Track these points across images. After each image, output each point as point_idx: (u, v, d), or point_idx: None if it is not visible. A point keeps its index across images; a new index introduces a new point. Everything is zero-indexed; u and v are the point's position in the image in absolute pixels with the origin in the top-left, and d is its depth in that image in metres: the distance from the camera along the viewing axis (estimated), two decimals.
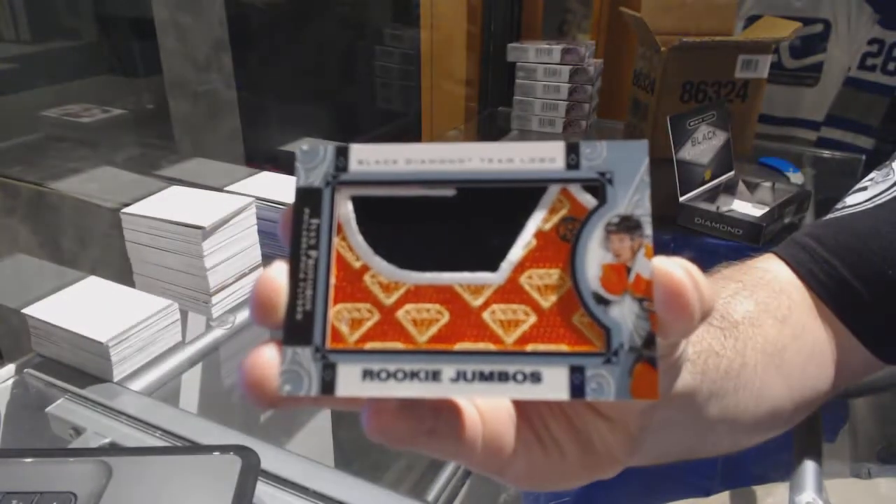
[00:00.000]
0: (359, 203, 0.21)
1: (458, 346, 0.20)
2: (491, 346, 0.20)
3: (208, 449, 0.47)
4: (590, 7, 1.63)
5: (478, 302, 0.20)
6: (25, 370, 0.61)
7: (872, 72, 1.44)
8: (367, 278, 0.20)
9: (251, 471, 0.44)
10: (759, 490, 0.58)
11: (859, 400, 0.88)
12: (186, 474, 0.44)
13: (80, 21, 1.16)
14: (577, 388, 0.19)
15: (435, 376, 0.19)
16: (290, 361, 0.20)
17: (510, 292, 0.20)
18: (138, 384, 0.60)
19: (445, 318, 0.20)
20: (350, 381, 0.19)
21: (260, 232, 0.73)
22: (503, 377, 0.19)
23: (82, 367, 0.60)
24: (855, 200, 0.41)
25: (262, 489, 0.47)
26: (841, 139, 1.48)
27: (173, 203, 0.71)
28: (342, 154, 0.21)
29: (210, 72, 1.20)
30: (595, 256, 0.20)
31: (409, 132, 1.61)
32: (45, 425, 0.56)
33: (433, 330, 0.20)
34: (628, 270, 0.20)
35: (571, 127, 1.40)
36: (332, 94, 1.61)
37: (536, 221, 0.20)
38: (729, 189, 1.04)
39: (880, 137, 1.46)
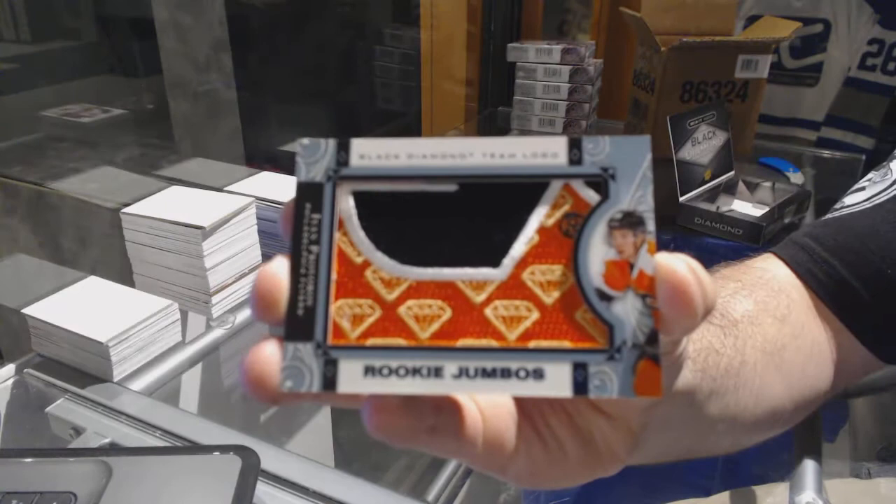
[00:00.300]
0: (360, 198, 0.20)
1: (461, 343, 0.20)
2: (493, 343, 0.20)
3: (208, 449, 0.47)
4: (590, 7, 1.63)
5: (480, 298, 0.20)
6: (25, 370, 0.61)
7: (872, 72, 1.44)
8: (368, 274, 0.20)
9: (251, 471, 0.44)
10: (759, 490, 0.57)
11: (859, 400, 0.88)
12: (186, 474, 0.44)
13: (80, 21, 1.16)
14: (580, 385, 0.19)
15: (437, 373, 0.19)
16: (291, 357, 0.19)
17: (512, 288, 0.20)
18: (138, 384, 0.60)
19: (447, 314, 0.20)
20: (351, 378, 0.19)
21: (260, 232, 0.73)
22: (506, 374, 0.19)
23: (82, 367, 0.60)
24: (853, 200, 0.41)
25: (262, 489, 0.47)
26: (841, 139, 1.48)
27: (173, 203, 0.71)
28: (343, 148, 0.21)
29: (210, 72, 1.20)
30: (598, 252, 0.20)
31: (410, 132, 1.61)
32: (45, 425, 0.56)
33: (435, 326, 0.20)
34: (631, 267, 0.19)
35: (571, 127, 1.40)
36: (333, 94, 1.61)
37: (539, 217, 0.20)
38: (729, 189, 1.04)
39: (880, 137, 1.46)
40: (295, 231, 0.20)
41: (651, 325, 0.19)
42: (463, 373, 0.19)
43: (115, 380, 0.59)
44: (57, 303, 0.63)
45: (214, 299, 0.69)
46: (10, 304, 0.82)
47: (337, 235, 0.20)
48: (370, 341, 0.20)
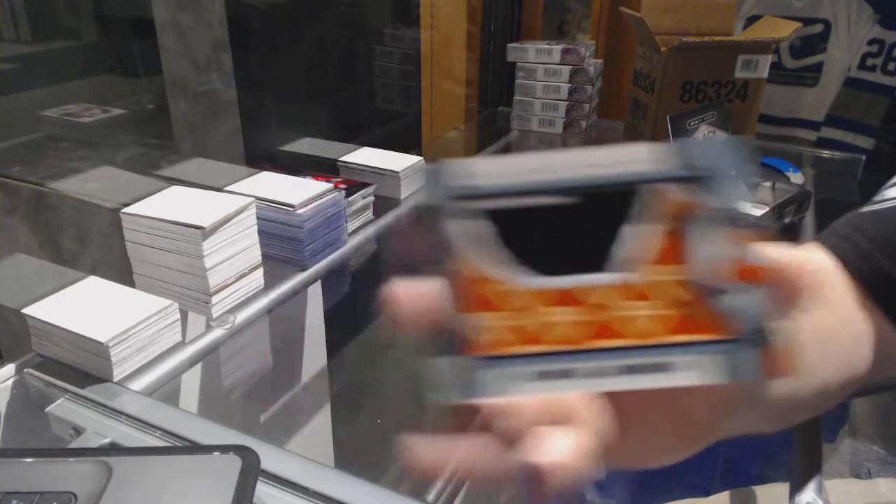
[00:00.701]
0: (481, 216, 0.22)
1: (603, 344, 0.21)
2: (632, 341, 0.21)
3: (208, 449, 0.47)
4: (590, 7, 1.63)
5: (610, 301, 0.22)
6: (25, 370, 0.61)
7: (872, 72, 1.44)
8: (498, 287, 0.21)
9: (251, 471, 0.44)
10: (759, 490, 0.58)
11: (859, 400, 0.88)
12: (186, 474, 0.44)
13: (81, 21, 1.16)
14: (720, 373, 0.21)
15: (586, 373, 0.21)
16: (442, 372, 0.21)
17: (638, 289, 0.22)
18: (138, 384, 0.60)
19: (583, 318, 0.21)
20: (502, 385, 0.21)
21: (260, 232, 0.73)
22: (649, 368, 0.21)
23: (82, 367, 0.60)
24: (894, 194, 0.42)
25: (262, 489, 0.47)
26: (841, 139, 1.48)
27: (173, 203, 0.71)
28: (461, 171, 0.22)
29: (210, 72, 1.20)
30: (708, 250, 0.21)
31: (410, 132, 1.61)
32: (45, 425, 0.56)
33: (573, 331, 0.21)
34: (740, 260, 0.21)
35: (571, 127, 1.40)
36: (332, 94, 1.61)
37: (648, 220, 0.22)
38: None
39: (880, 137, 1.46)
40: (424, 252, 0.22)
41: (768, 310, 0.21)
42: (609, 372, 0.21)
43: (115, 380, 0.59)
44: (57, 303, 0.63)
45: (214, 299, 0.69)
46: (10, 304, 0.82)
47: (464, 253, 0.22)
48: (513, 350, 0.21)
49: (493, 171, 0.22)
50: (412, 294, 0.21)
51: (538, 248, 0.22)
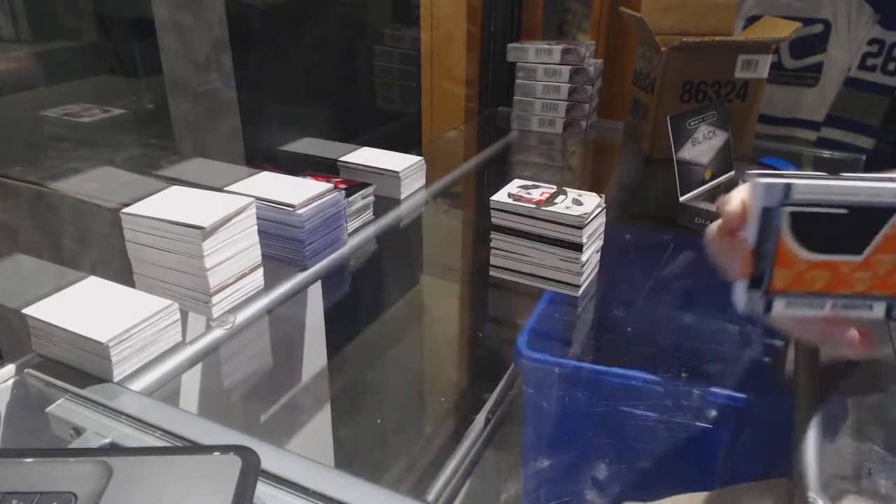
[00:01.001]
0: (793, 216, 0.38)
1: (834, 292, 0.40)
2: (851, 291, 0.39)
3: (208, 449, 0.47)
4: (590, 7, 1.63)
5: (846, 270, 0.39)
6: (25, 370, 0.61)
7: (872, 72, 1.43)
8: (793, 255, 0.39)
9: (251, 471, 0.44)
10: (759, 488, 0.57)
11: (859, 399, 0.88)
12: (186, 474, 0.44)
13: (80, 21, 1.16)
14: (888, 314, 0.40)
15: (822, 306, 0.40)
16: (749, 297, 0.40)
17: (865, 264, 0.39)
18: (138, 384, 0.60)
19: (829, 276, 0.39)
20: (780, 307, 0.40)
21: (260, 232, 0.73)
22: (862, 307, 0.40)
23: (82, 367, 0.60)
24: None
25: (262, 489, 0.47)
26: (841, 139, 1.48)
27: (173, 203, 0.71)
28: (788, 188, 0.38)
29: (210, 72, 1.19)
30: None
31: (410, 132, 1.61)
32: (45, 425, 0.56)
33: (822, 283, 0.39)
34: None
35: (571, 127, 1.40)
36: (332, 94, 1.61)
37: (887, 227, 0.38)
38: (729, 189, 1.04)
39: (880, 137, 1.46)
40: (758, 233, 0.39)
41: None
42: (836, 306, 0.40)
43: (116, 380, 0.59)
44: (57, 303, 0.63)
45: (214, 299, 0.69)
46: (10, 304, 0.82)
47: (781, 235, 0.39)
48: (790, 290, 0.40)
49: (805, 189, 0.38)
50: (746, 256, 0.39)
51: (820, 236, 0.38)
